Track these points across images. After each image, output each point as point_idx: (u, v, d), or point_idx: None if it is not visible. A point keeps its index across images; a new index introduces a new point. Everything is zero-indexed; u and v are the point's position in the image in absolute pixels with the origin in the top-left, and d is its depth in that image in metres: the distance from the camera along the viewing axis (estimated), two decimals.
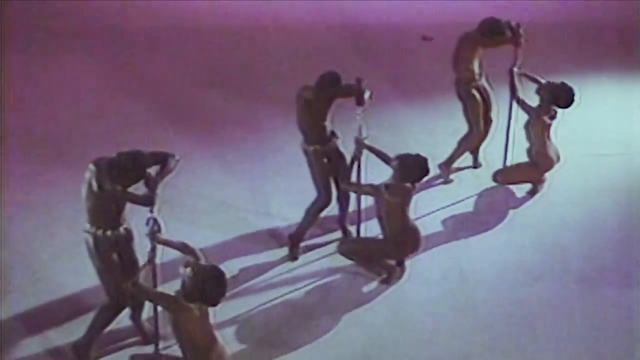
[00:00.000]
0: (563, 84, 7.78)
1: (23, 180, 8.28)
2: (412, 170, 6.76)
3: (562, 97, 7.75)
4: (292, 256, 7.37)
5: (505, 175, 8.19)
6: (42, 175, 8.35)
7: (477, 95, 8.13)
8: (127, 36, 11.11)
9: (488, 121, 8.27)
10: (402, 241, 6.98)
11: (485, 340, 6.59)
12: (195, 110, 9.66)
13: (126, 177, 5.78)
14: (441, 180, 8.39)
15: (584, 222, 7.95)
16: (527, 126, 7.95)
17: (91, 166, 5.90)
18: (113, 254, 6.03)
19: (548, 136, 7.94)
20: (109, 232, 5.98)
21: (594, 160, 8.85)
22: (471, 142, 8.35)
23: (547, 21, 10.97)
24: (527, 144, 8.10)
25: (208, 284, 5.29)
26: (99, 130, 9.03)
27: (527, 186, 8.23)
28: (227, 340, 6.38)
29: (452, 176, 8.44)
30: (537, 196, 8.21)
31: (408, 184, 6.81)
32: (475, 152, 8.54)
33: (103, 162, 5.84)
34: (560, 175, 8.34)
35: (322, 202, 7.25)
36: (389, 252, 7.07)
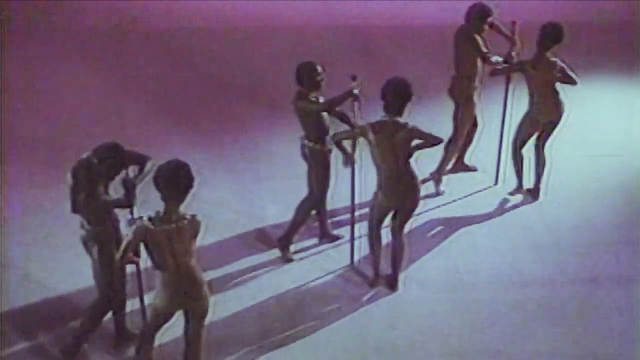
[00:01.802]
0: (549, 23, 7.66)
1: (20, 181, 8.27)
2: (391, 91, 6.51)
3: (551, 33, 7.60)
4: (286, 258, 7.33)
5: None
6: (39, 175, 8.33)
7: (475, 99, 8.06)
8: (126, 38, 11.10)
9: (475, 125, 8.23)
10: (395, 190, 6.70)
11: (481, 342, 6.57)
12: (190, 112, 9.67)
13: (106, 169, 5.82)
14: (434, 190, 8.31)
15: (579, 223, 7.93)
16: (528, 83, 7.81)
17: (69, 178, 5.91)
18: (109, 248, 6.01)
19: (548, 91, 7.71)
20: (102, 228, 5.99)
21: (589, 160, 8.84)
22: (457, 146, 8.28)
23: (545, 21, 10.96)
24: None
25: (171, 171, 5.37)
26: (97, 131, 9.00)
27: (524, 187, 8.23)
28: (220, 341, 6.41)
29: (448, 177, 8.40)
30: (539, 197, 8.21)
31: (396, 119, 6.55)
32: (461, 158, 8.49)
33: (81, 170, 5.87)
34: (555, 176, 8.32)
35: (314, 199, 7.21)
36: (382, 202, 6.80)
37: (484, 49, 7.83)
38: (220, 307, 6.71)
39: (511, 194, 8.22)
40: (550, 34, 7.59)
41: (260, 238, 7.63)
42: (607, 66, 10.61)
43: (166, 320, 5.75)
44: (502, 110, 8.18)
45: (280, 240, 7.37)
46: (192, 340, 5.83)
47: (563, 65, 7.66)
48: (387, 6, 11.65)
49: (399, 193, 6.71)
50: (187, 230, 5.44)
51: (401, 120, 6.56)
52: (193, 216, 5.47)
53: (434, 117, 8.76)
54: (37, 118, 9.36)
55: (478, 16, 7.82)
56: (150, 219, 5.40)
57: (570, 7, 11.37)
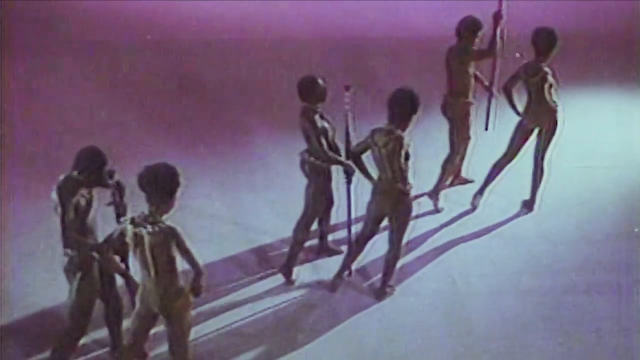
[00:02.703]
0: (542, 27, 7.65)
1: (17, 194, 8.24)
2: (397, 102, 6.50)
3: (546, 37, 7.60)
4: (290, 282, 7.21)
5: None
6: (34, 188, 8.31)
7: (472, 116, 8.03)
8: (120, 50, 11.13)
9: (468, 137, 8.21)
10: (385, 197, 6.68)
11: (477, 353, 6.55)
12: (186, 124, 9.68)
13: (87, 176, 5.78)
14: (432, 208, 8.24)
15: (576, 235, 7.91)
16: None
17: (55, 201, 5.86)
18: (92, 280, 5.94)
19: (539, 97, 7.67)
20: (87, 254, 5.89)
21: (587, 172, 8.83)
22: (454, 164, 8.27)
23: None
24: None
25: (155, 172, 5.33)
26: (94, 143, 8.98)
27: (519, 199, 8.20)
28: (215, 353, 6.41)
29: (443, 191, 8.38)
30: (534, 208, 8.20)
31: (391, 128, 6.51)
32: (459, 171, 8.47)
33: (64, 188, 5.82)
34: (552, 188, 8.30)
35: (310, 217, 7.15)
36: (373, 208, 6.79)
37: (483, 49, 7.83)
38: (216, 318, 6.73)
39: (473, 205, 8.19)
40: (545, 38, 7.57)
41: (260, 248, 7.63)
42: (606, 76, 10.61)
43: (144, 325, 5.65)
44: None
45: (283, 268, 7.25)
46: (177, 357, 5.71)
47: (549, 77, 7.60)
48: (379, 18, 11.68)
49: (389, 200, 6.69)
50: (160, 237, 5.32)
51: (398, 130, 6.53)
52: (169, 227, 5.34)
53: (430, 131, 8.77)
54: (33, 130, 9.37)
55: (469, 30, 7.81)
56: (132, 219, 5.38)
57: (569, 16, 11.43)
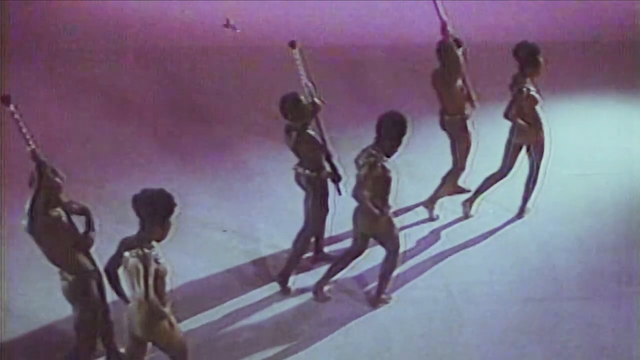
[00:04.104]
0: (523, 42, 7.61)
1: (8, 207, 8.22)
2: (385, 126, 6.44)
3: (527, 51, 7.52)
4: (286, 291, 7.21)
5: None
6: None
7: (470, 129, 8.01)
8: (114, 60, 11.14)
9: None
10: (361, 218, 6.67)
11: None
12: (181, 134, 9.66)
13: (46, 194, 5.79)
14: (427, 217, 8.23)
15: (573, 242, 7.89)
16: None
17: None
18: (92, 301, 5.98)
19: (522, 113, 7.61)
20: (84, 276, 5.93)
21: (584, 179, 8.80)
22: (456, 178, 8.25)
23: (545, 40, 10.98)
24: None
25: (153, 198, 5.30)
26: (84, 155, 9.02)
27: (515, 207, 8.20)
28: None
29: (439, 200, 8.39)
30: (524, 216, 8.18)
31: (371, 151, 6.45)
32: (455, 181, 8.39)
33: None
34: (550, 195, 8.30)
35: (311, 230, 7.17)
36: (354, 226, 6.80)
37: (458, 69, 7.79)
38: (213, 326, 6.77)
39: (465, 213, 8.18)
40: (526, 52, 7.51)
41: (256, 257, 7.64)
42: (605, 84, 10.57)
43: (137, 346, 5.63)
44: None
45: (279, 276, 7.24)
46: None
47: (524, 92, 7.52)
48: (375, 25, 11.70)
49: (366, 220, 6.68)
50: (135, 265, 5.28)
51: (378, 154, 6.47)
52: (144, 253, 5.29)
53: (428, 140, 8.75)
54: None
55: (450, 50, 7.77)
56: (127, 238, 5.40)
57: (569, 24, 11.43)
